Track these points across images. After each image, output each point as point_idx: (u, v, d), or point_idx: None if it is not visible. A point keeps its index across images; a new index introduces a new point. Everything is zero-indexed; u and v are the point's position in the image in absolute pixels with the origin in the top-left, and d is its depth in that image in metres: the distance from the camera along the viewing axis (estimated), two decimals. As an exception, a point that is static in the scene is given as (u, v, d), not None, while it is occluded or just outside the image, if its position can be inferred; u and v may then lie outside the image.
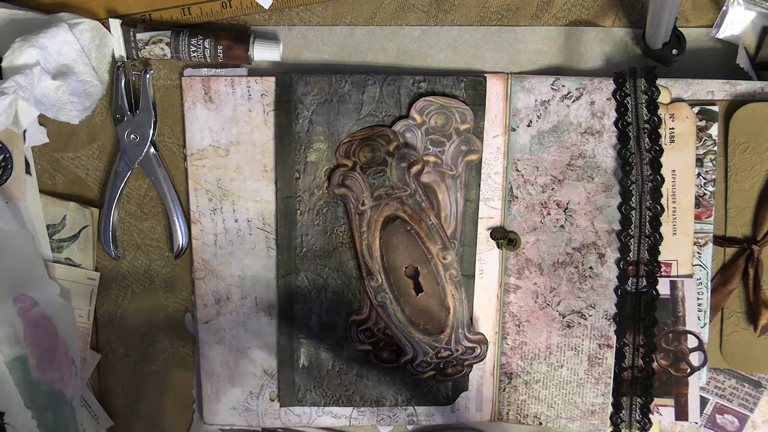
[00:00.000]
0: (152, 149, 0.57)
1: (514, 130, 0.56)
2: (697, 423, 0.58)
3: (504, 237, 0.57)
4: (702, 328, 0.57)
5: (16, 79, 0.50)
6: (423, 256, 0.55)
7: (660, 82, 0.55)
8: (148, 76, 0.57)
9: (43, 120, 0.58)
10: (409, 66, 0.58)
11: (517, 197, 0.57)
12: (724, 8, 0.56)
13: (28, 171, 0.58)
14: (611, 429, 0.58)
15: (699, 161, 0.56)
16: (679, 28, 0.55)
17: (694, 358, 0.57)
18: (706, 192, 0.56)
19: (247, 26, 0.57)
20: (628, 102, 0.55)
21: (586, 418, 0.58)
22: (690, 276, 0.57)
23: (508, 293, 0.58)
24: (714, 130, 0.56)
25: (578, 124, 0.56)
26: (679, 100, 0.56)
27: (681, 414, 0.58)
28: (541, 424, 0.59)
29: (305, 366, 0.58)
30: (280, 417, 0.60)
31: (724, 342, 0.57)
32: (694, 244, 0.57)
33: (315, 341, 0.58)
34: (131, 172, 0.58)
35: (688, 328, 0.57)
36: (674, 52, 0.55)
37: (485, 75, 0.56)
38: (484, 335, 0.57)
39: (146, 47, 0.56)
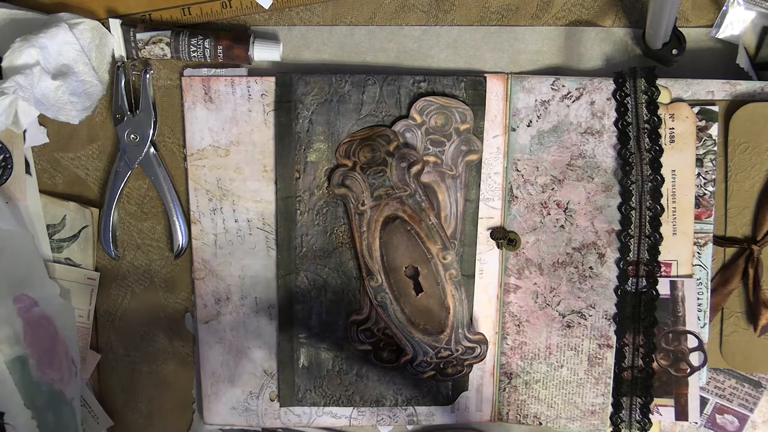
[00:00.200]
0: (152, 149, 0.57)
1: (514, 130, 0.56)
2: (697, 423, 0.58)
3: (504, 237, 0.57)
4: (702, 328, 0.57)
5: (16, 79, 0.50)
6: (423, 256, 0.55)
7: (660, 82, 0.55)
8: (148, 76, 0.57)
9: (43, 120, 0.58)
10: (409, 66, 0.58)
11: (517, 197, 0.57)
12: (724, 8, 0.56)
13: (28, 171, 0.58)
14: (611, 429, 0.58)
15: (699, 161, 0.56)
16: (679, 28, 0.55)
17: (694, 358, 0.57)
18: (706, 192, 0.56)
19: (247, 26, 0.57)
20: (628, 102, 0.55)
21: (586, 418, 0.58)
22: (690, 276, 0.57)
23: (508, 293, 0.58)
24: (714, 130, 0.56)
25: (578, 124, 0.56)
26: (679, 100, 0.56)
27: (681, 414, 0.58)
28: (541, 424, 0.59)
29: (305, 366, 0.58)
30: (280, 417, 0.60)
31: (724, 342, 0.57)
32: (694, 244, 0.57)
33: (315, 341, 0.58)
34: (131, 172, 0.58)
35: (688, 328, 0.57)
36: (674, 52, 0.55)
37: (485, 75, 0.56)
38: (484, 335, 0.57)
39: (146, 47, 0.56)
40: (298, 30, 0.57)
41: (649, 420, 0.57)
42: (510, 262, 0.58)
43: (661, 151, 0.55)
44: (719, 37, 0.56)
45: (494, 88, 0.56)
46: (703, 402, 0.58)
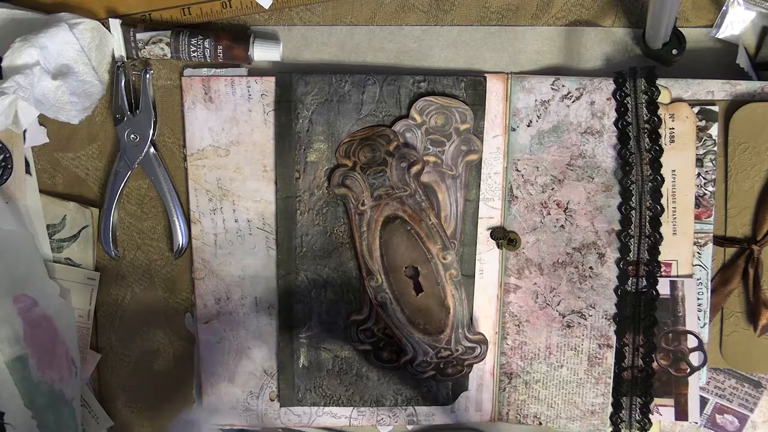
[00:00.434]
0: (152, 149, 0.57)
1: (514, 130, 0.56)
2: (697, 423, 0.58)
3: (504, 237, 0.57)
4: (702, 328, 0.57)
5: (16, 79, 0.50)
6: (423, 256, 0.55)
7: (660, 82, 0.55)
8: (148, 76, 0.57)
9: (43, 120, 0.58)
10: (409, 66, 0.58)
11: (517, 197, 0.57)
12: (724, 8, 0.56)
13: (28, 171, 0.58)
14: (611, 429, 0.58)
15: (699, 161, 0.56)
16: (679, 28, 0.55)
17: (694, 358, 0.57)
18: (706, 192, 0.56)
19: (247, 26, 0.57)
20: (628, 102, 0.55)
21: (586, 418, 0.58)
22: (690, 276, 0.57)
23: (508, 293, 0.58)
24: (714, 130, 0.56)
25: (578, 124, 0.56)
26: (679, 100, 0.56)
27: (681, 414, 0.58)
28: (541, 424, 0.59)
29: (305, 366, 0.58)
30: (280, 417, 0.60)
31: (724, 342, 0.57)
32: (694, 244, 0.57)
33: (315, 341, 0.58)
34: (131, 172, 0.58)
35: (688, 328, 0.57)
36: (674, 52, 0.55)
37: (485, 75, 0.56)
38: (484, 335, 0.57)
39: (146, 47, 0.56)
40: (298, 30, 0.57)
41: (649, 420, 0.57)
42: (510, 262, 0.58)
43: (661, 151, 0.55)
44: (719, 37, 0.56)
45: (494, 88, 0.56)
46: (703, 402, 0.58)
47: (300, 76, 0.56)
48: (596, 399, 0.58)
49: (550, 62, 0.57)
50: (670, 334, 0.57)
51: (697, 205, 0.56)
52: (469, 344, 0.57)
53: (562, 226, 0.57)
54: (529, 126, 0.56)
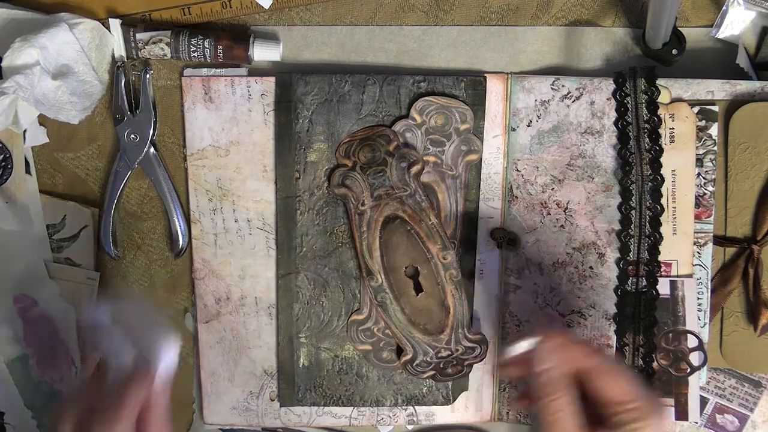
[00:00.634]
0: (152, 149, 0.57)
1: (514, 130, 0.56)
2: (697, 423, 0.58)
3: (504, 237, 0.57)
4: (702, 328, 0.57)
5: (16, 79, 0.50)
6: (423, 256, 0.55)
7: (660, 82, 0.55)
8: (148, 76, 0.57)
9: (43, 120, 0.58)
10: (409, 66, 0.58)
11: (517, 197, 0.57)
12: (724, 8, 0.56)
13: (28, 171, 0.58)
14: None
15: (699, 161, 0.56)
16: (679, 28, 0.55)
17: (694, 358, 0.57)
18: (706, 192, 0.56)
19: (247, 26, 0.57)
20: (628, 102, 0.55)
21: (586, 418, 0.58)
22: (690, 276, 0.57)
23: (508, 293, 0.58)
24: (714, 130, 0.56)
25: (578, 124, 0.56)
26: (679, 100, 0.56)
27: (681, 414, 0.58)
28: None
29: (305, 366, 0.58)
30: (280, 417, 0.60)
31: (724, 342, 0.57)
32: (694, 244, 0.57)
33: (315, 341, 0.58)
34: (131, 172, 0.58)
35: (688, 328, 0.57)
36: (674, 52, 0.55)
37: (485, 75, 0.56)
38: (483, 335, 0.57)
39: (146, 47, 0.56)
40: (298, 30, 0.57)
41: (649, 420, 0.57)
42: (510, 262, 0.58)
43: (661, 151, 0.55)
44: (719, 37, 0.56)
45: (494, 88, 0.56)
46: (703, 402, 0.58)
47: (300, 76, 0.56)
48: (596, 399, 0.58)
49: (550, 62, 0.57)
50: (670, 334, 0.57)
51: (697, 205, 0.56)
52: (469, 344, 0.57)
53: (562, 226, 0.57)
54: (529, 126, 0.56)
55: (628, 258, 0.56)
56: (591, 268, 0.57)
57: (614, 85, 0.56)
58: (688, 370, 0.57)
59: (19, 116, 0.54)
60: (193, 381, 0.60)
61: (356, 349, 0.58)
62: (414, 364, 0.56)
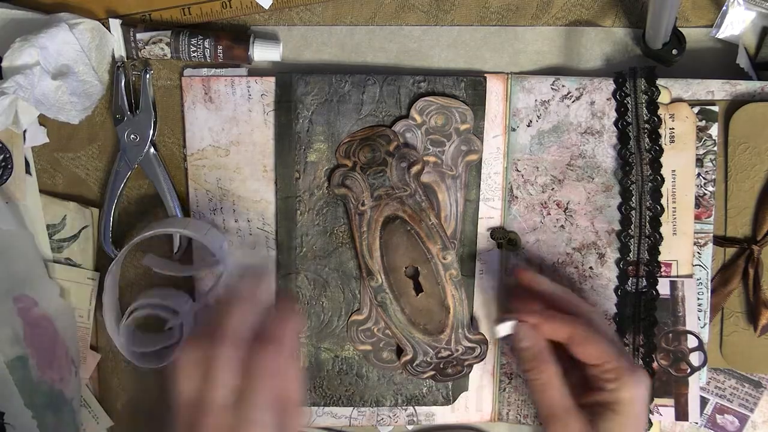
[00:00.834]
0: (152, 149, 0.57)
1: (514, 130, 0.56)
2: (697, 423, 0.58)
3: (504, 237, 0.57)
4: (702, 328, 0.57)
5: (16, 79, 0.50)
6: (423, 256, 0.55)
7: (660, 82, 0.55)
8: (148, 76, 0.57)
9: (43, 120, 0.58)
10: (409, 66, 0.58)
11: (517, 197, 0.57)
12: (724, 8, 0.56)
13: (28, 171, 0.58)
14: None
15: (699, 161, 0.56)
16: (679, 28, 0.55)
17: (694, 358, 0.57)
18: (706, 192, 0.56)
19: (247, 26, 0.57)
20: (628, 102, 0.55)
21: (586, 418, 0.58)
22: (690, 276, 0.57)
23: (508, 293, 0.58)
24: (714, 130, 0.56)
25: (578, 124, 0.56)
26: (679, 100, 0.56)
27: (681, 414, 0.57)
28: (541, 424, 0.58)
29: (305, 366, 0.58)
30: (280, 417, 0.60)
31: (724, 342, 0.57)
32: (694, 244, 0.57)
33: (315, 341, 0.58)
34: (131, 172, 0.58)
35: (688, 328, 0.57)
36: (674, 52, 0.55)
37: (485, 75, 0.56)
38: (484, 335, 0.57)
39: (146, 47, 0.56)
40: (298, 30, 0.57)
41: (649, 420, 0.57)
42: (510, 262, 0.58)
43: (661, 151, 0.55)
44: (719, 37, 0.56)
45: (494, 88, 0.56)
46: (703, 402, 0.58)
47: (300, 76, 0.56)
48: (596, 399, 0.58)
49: (550, 62, 0.57)
50: (670, 334, 0.57)
51: (697, 205, 0.56)
52: (469, 344, 0.57)
53: (562, 226, 0.57)
54: (529, 126, 0.56)
55: (628, 258, 0.56)
56: (591, 268, 0.57)
57: (614, 85, 0.56)
58: (688, 370, 0.57)
59: (19, 116, 0.54)
60: (193, 381, 0.60)
61: (356, 350, 0.58)
62: (414, 364, 0.56)
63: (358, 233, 0.55)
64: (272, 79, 0.56)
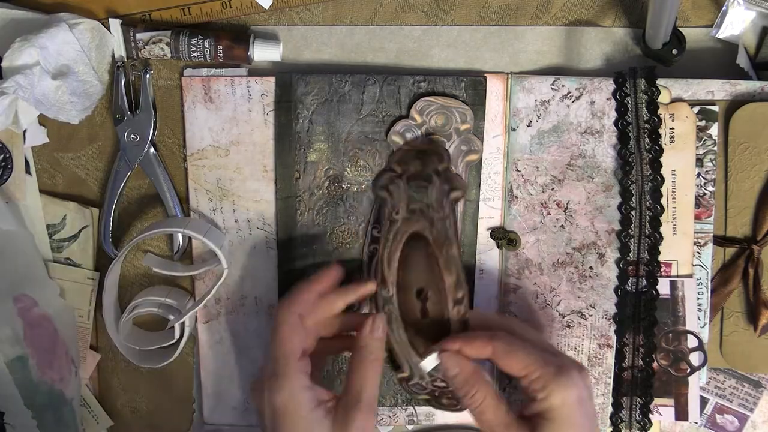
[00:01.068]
0: (152, 149, 0.57)
1: (514, 130, 0.56)
2: (697, 423, 0.58)
3: (504, 237, 0.57)
4: (702, 328, 0.57)
5: (16, 79, 0.50)
6: (436, 283, 0.54)
7: (660, 82, 0.55)
8: (148, 76, 0.57)
9: (43, 120, 0.58)
10: (409, 66, 0.58)
11: (517, 197, 0.57)
12: (724, 8, 0.56)
13: (28, 171, 0.58)
14: (611, 429, 0.58)
15: (699, 161, 0.56)
16: (679, 28, 0.55)
17: (694, 358, 0.57)
18: (706, 192, 0.56)
19: (247, 26, 0.57)
20: (628, 102, 0.55)
21: (586, 418, 0.58)
22: (690, 276, 0.57)
23: (508, 293, 0.58)
24: (714, 130, 0.56)
25: (578, 124, 0.56)
26: (679, 100, 0.56)
27: (681, 414, 0.58)
28: (541, 424, 0.58)
29: (305, 366, 0.58)
30: (280, 417, 0.59)
31: (724, 342, 0.57)
32: (694, 244, 0.57)
33: (315, 341, 0.58)
34: (131, 172, 0.58)
35: (688, 328, 0.57)
36: (674, 52, 0.55)
37: (485, 75, 0.56)
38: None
39: (146, 47, 0.56)
40: (298, 30, 0.57)
41: (649, 420, 0.57)
42: (510, 262, 0.58)
43: (661, 151, 0.55)
44: (719, 37, 0.56)
45: (494, 88, 0.56)
46: (703, 402, 0.58)
47: (300, 76, 0.56)
48: (596, 399, 0.58)
49: (550, 62, 0.57)
50: (670, 334, 0.57)
51: (697, 205, 0.56)
52: None
53: (562, 226, 0.57)
54: (529, 126, 0.56)
55: (628, 258, 0.56)
56: (591, 268, 0.57)
57: (614, 85, 0.56)
58: (688, 370, 0.57)
59: (19, 116, 0.54)
60: (193, 381, 0.60)
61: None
62: (410, 383, 0.55)
63: (384, 239, 0.54)
64: (272, 79, 0.56)
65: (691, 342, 0.57)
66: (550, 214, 0.57)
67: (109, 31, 0.56)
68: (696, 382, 0.57)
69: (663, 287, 0.56)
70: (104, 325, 0.57)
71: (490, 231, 0.57)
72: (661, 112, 0.55)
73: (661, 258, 0.56)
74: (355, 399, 0.47)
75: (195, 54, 0.55)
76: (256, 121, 0.57)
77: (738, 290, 0.57)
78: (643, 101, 0.55)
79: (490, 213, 0.57)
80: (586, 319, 0.57)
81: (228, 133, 0.57)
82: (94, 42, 0.55)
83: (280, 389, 0.47)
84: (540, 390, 0.46)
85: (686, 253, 0.57)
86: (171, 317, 0.57)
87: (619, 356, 0.57)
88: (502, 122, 0.56)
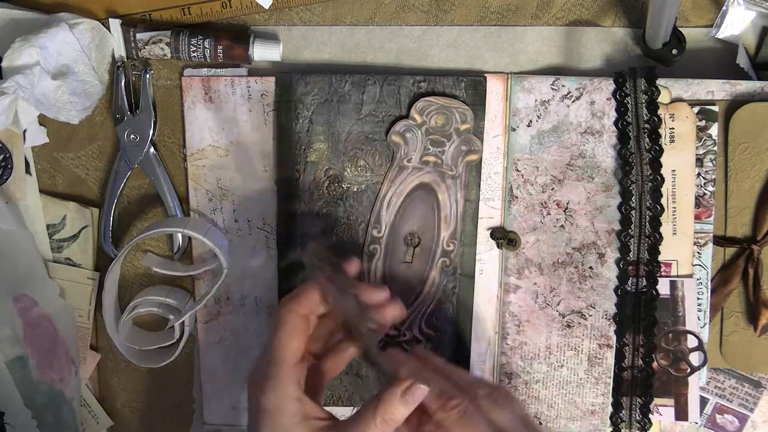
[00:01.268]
0: (152, 149, 0.57)
1: (514, 130, 0.56)
2: (697, 423, 0.58)
3: (504, 237, 0.57)
4: (702, 328, 0.57)
5: (16, 79, 0.50)
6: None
7: (660, 82, 0.55)
8: (148, 76, 0.57)
9: (43, 120, 0.58)
10: (409, 66, 0.58)
11: (517, 197, 0.57)
12: (724, 8, 0.56)
13: (28, 171, 0.58)
14: (611, 429, 0.58)
15: (699, 161, 0.56)
16: (679, 28, 0.55)
17: (694, 358, 0.57)
18: (706, 192, 0.56)
19: (247, 26, 0.57)
20: (628, 102, 0.55)
21: (586, 418, 0.58)
22: (690, 276, 0.57)
23: (508, 293, 0.58)
24: (714, 130, 0.56)
25: (578, 124, 0.56)
26: (679, 100, 0.56)
27: (681, 414, 0.58)
28: (541, 424, 0.59)
29: (305, 366, 0.58)
30: (280, 417, 0.59)
31: (724, 342, 0.57)
32: (694, 244, 0.57)
33: (315, 341, 0.58)
34: (131, 172, 0.58)
35: (688, 328, 0.57)
36: (674, 52, 0.55)
37: (485, 75, 0.56)
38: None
39: (146, 47, 0.56)
40: (298, 30, 0.57)
41: (649, 420, 0.57)
42: (510, 262, 0.58)
43: (661, 151, 0.55)
44: (719, 37, 0.56)
45: (494, 88, 0.56)
46: (703, 402, 0.58)
47: (300, 76, 0.56)
48: (596, 399, 0.58)
49: (550, 62, 0.57)
50: (670, 334, 0.57)
51: (697, 205, 0.56)
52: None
53: (562, 226, 0.57)
54: (529, 126, 0.56)
55: (628, 258, 0.56)
56: (591, 268, 0.57)
57: (614, 85, 0.56)
58: (688, 370, 0.57)
59: (19, 116, 0.54)
60: (194, 381, 0.60)
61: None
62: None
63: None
64: (272, 79, 0.56)
65: (691, 342, 0.57)
66: (550, 214, 0.57)
67: (109, 31, 0.56)
68: (696, 382, 0.57)
69: (663, 287, 0.56)
70: (104, 325, 0.57)
71: (490, 231, 0.57)
72: (661, 112, 0.55)
73: (661, 258, 0.56)
74: None
75: (195, 54, 0.55)
76: (256, 121, 0.57)
77: (738, 290, 0.57)
78: (643, 101, 0.55)
79: (490, 213, 0.57)
80: (586, 319, 0.57)
81: (228, 133, 0.57)
82: (94, 42, 0.55)
83: (267, 393, 0.45)
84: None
85: (686, 253, 0.57)
86: (171, 317, 0.57)
87: (619, 356, 0.57)
88: (502, 122, 0.56)
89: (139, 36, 0.55)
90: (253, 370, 0.47)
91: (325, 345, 0.50)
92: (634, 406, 0.57)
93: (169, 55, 0.56)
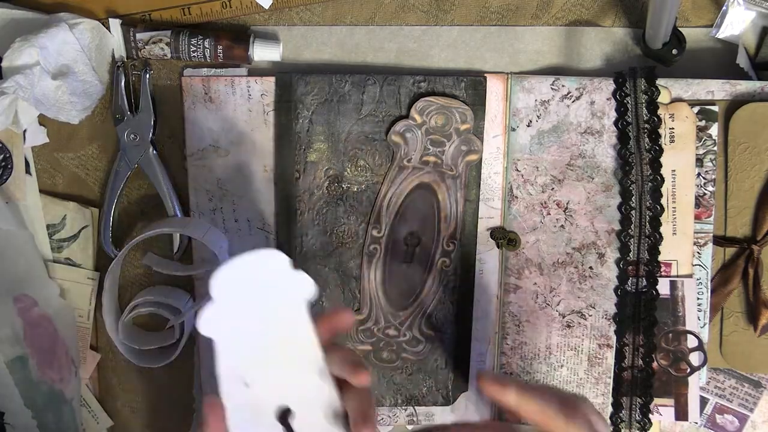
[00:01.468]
0: (152, 149, 0.57)
1: (514, 130, 0.56)
2: (697, 423, 0.58)
3: (504, 237, 0.57)
4: (702, 328, 0.57)
5: (16, 79, 0.50)
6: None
7: (660, 82, 0.55)
8: (148, 76, 0.57)
9: (43, 120, 0.58)
10: (409, 66, 0.58)
11: (517, 197, 0.57)
12: (724, 8, 0.56)
13: (28, 171, 0.58)
14: (611, 429, 0.58)
15: (699, 161, 0.56)
16: (679, 28, 0.55)
17: (694, 358, 0.57)
18: (706, 192, 0.56)
19: (247, 26, 0.57)
20: (628, 102, 0.55)
21: (586, 418, 0.58)
22: (690, 276, 0.57)
23: (508, 293, 0.58)
24: (714, 130, 0.56)
25: (578, 124, 0.56)
26: (679, 100, 0.56)
27: (681, 414, 0.58)
28: (541, 424, 0.58)
29: (305, 366, 0.58)
30: (280, 417, 0.59)
31: (724, 342, 0.57)
32: (694, 244, 0.57)
33: (315, 341, 0.58)
34: (131, 172, 0.58)
35: (688, 328, 0.57)
36: (674, 52, 0.55)
37: (485, 75, 0.56)
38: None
39: (146, 47, 0.56)
40: (298, 30, 0.57)
41: (649, 420, 0.57)
42: (510, 262, 0.58)
43: (661, 151, 0.55)
44: (719, 37, 0.56)
45: (494, 88, 0.56)
46: (703, 402, 0.58)
47: (300, 76, 0.56)
48: (596, 399, 0.58)
49: (550, 62, 0.57)
50: (670, 334, 0.57)
51: (697, 205, 0.56)
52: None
53: (562, 226, 0.57)
54: (529, 126, 0.56)
55: (628, 258, 0.56)
56: (591, 268, 0.57)
57: (614, 85, 0.56)
58: (688, 370, 0.57)
59: (19, 116, 0.54)
60: (194, 381, 0.60)
61: (356, 350, 0.58)
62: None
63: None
64: (272, 79, 0.56)
65: (691, 342, 0.57)
66: (550, 214, 0.57)
67: (109, 31, 0.56)
68: (696, 382, 0.57)
69: (663, 287, 0.56)
70: (104, 325, 0.57)
71: (490, 231, 0.57)
72: (661, 112, 0.55)
73: (661, 258, 0.56)
74: None
75: (195, 54, 0.55)
76: (256, 121, 0.57)
77: (738, 290, 0.57)
78: (643, 101, 0.55)
79: (490, 213, 0.57)
80: (586, 319, 0.57)
81: (228, 133, 0.57)
82: (94, 42, 0.55)
83: None
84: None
85: (686, 253, 0.57)
86: (171, 317, 0.57)
87: (619, 356, 0.57)
88: (502, 122, 0.56)
89: (139, 36, 0.55)
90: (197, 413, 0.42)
91: None
92: (634, 406, 0.57)
93: (169, 55, 0.56)
